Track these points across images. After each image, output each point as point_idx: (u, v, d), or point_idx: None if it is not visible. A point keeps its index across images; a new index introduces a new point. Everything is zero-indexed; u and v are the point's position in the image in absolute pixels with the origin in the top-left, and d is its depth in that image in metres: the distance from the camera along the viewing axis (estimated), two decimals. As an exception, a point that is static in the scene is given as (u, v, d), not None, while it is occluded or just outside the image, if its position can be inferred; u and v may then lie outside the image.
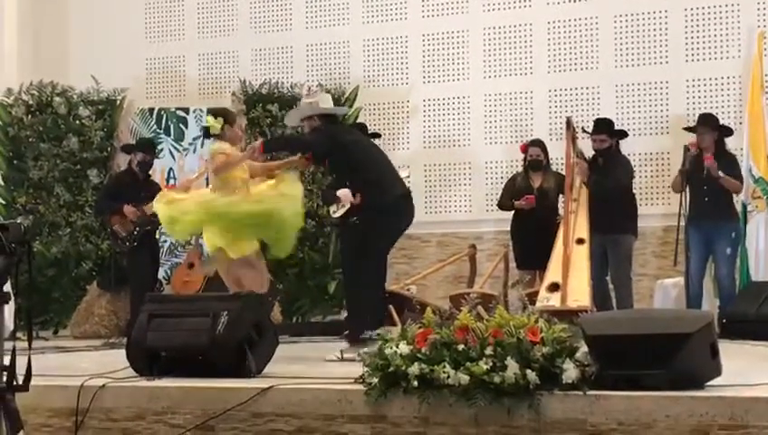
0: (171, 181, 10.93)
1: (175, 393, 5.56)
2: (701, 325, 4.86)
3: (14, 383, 3.98)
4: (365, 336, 7.05)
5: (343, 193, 9.33)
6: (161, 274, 10.39)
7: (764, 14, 10.10)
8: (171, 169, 11.12)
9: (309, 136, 7.71)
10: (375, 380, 5.14)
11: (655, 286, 9.77)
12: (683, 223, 8.87)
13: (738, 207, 9.21)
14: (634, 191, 9.46)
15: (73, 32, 12.22)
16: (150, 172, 10.00)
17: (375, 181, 7.57)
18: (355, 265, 7.57)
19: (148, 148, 9.99)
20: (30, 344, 4.12)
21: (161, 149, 10.84)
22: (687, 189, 8.86)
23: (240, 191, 7.43)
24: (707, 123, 8.97)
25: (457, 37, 11.11)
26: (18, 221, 4.00)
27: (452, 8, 11.13)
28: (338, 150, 7.56)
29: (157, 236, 9.95)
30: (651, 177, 10.31)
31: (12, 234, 3.87)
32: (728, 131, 9.07)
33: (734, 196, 9.03)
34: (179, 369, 5.84)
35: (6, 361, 4.00)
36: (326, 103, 7.90)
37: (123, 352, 6.25)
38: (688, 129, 9.14)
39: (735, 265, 9.03)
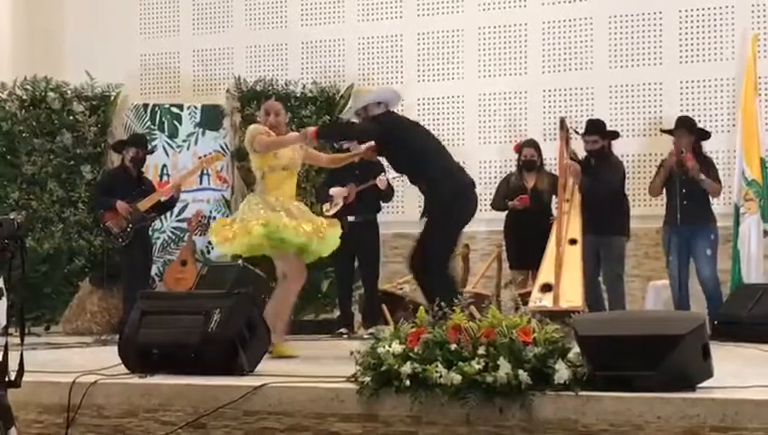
0: (165, 178, 10.92)
1: (167, 391, 5.56)
2: (693, 327, 4.87)
3: (7, 379, 3.97)
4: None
5: (336, 191, 9.37)
6: (154, 270, 10.38)
7: (759, 17, 10.13)
8: (165, 165, 11.11)
9: (365, 123, 7.48)
10: (367, 378, 5.14)
11: (647, 288, 9.78)
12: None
13: (730, 209, 9.21)
14: (627, 192, 9.46)
15: (68, 27, 12.22)
16: (144, 169, 9.98)
17: (442, 168, 7.32)
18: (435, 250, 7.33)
19: (140, 143, 9.96)
20: (22, 340, 4.12)
21: (155, 146, 10.82)
22: (664, 192, 8.85)
23: (285, 182, 7.35)
24: (684, 126, 8.95)
25: (452, 36, 11.13)
26: (11, 217, 3.98)
27: (447, 7, 11.15)
28: (397, 138, 7.35)
29: (149, 233, 9.95)
30: (644, 178, 10.31)
31: (4, 229, 3.86)
32: (705, 134, 9.05)
33: (711, 198, 8.99)
34: (171, 366, 5.83)
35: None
36: (377, 93, 7.77)
37: (115, 348, 6.24)
38: (665, 131, 9.14)
39: (716, 266, 9.00)
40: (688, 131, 8.90)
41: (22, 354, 4.02)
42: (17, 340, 4.23)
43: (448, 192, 7.15)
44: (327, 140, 7.78)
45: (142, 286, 9.19)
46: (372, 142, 7.45)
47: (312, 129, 7.34)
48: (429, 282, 7.13)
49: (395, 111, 7.64)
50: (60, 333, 10.45)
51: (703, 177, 8.70)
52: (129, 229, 9.42)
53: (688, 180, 8.72)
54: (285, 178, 7.33)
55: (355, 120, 7.62)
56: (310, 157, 7.68)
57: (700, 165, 8.75)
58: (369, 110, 7.42)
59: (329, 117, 10.93)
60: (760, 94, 9.67)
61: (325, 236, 7.30)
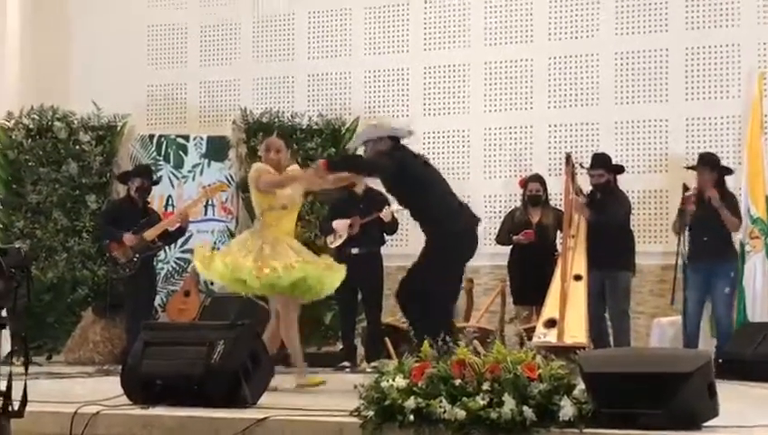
0: (170, 208, 10.93)
1: (169, 422, 5.52)
2: (699, 365, 4.84)
3: (10, 409, 3.95)
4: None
5: (340, 224, 9.36)
6: (157, 301, 10.36)
7: (765, 55, 10.15)
8: (170, 196, 11.12)
9: (375, 158, 7.54)
10: (371, 413, 5.10)
11: (652, 324, 9.75)
12: (681, 262, 8.86)
13: (737, 247, 9.20)
14: (632, 228, 9.45)
15: (75, 56, 12.28)
16: (149, 199, 9.98)
17: (446, 208, 7.32)
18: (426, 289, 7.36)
19: (145, 174, 9.97)
20: (26, 370, 4.10)
21: (160, 176, 10.82)
22: (687, 229, 8.85)
23: (285, 217, 7.40)
24: (708, 163, 8.98)
25: (458, 70, 11.15)
26: (17, 246, 3.98)
27: (453, 42, 11.20)
28: (405, 175, 7.38)
29: (154, 263, 9.93)
30: (649, 215, 10.32)
31: (11, 258, 3.85)
32: (728, 171, 9.07)
33: (733, 235, 9.01)
34: (174, 397, 5.80)
35: (2, 385, 3.98)
36: (390, 126, 7.82)
37: (118, 379, 6.21)
38: (689, 167, 9.14)
39: (733, 304, 9.01)
40: (711, 168, 8.92)
41: (26, 384, 4.00)
42: (20, 369, 4.20)
43: (453, 231, 7.15)
44: (336, 171, 7.76)
45: (146, 317, 9.16)
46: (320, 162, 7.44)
47: (322, 161, 7.37)
48: (424, 323, 7.10)
49: (405, 145, 7.63)
50: (62, 362, 10.41)
51: (721, 204, 8.68)
52: (135, 259, 9.41)
53: (709, 217, 8.71)
54: (284, 215, 7.41)
55: (362, 150, 7.63)
56: (312, 185, 7.71)
57: (724, 200, 8.75)
58: (378, 143, 7.42)
59: (334, 149, 10.94)
60: (766, 133, 9.66)
61: (322, 276, 7.34)
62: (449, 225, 7.17)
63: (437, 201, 7.28)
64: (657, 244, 10.15)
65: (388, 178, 7.43)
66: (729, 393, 5.55)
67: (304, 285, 7.31)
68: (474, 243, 7.40)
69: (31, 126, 11.30)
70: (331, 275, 7.48)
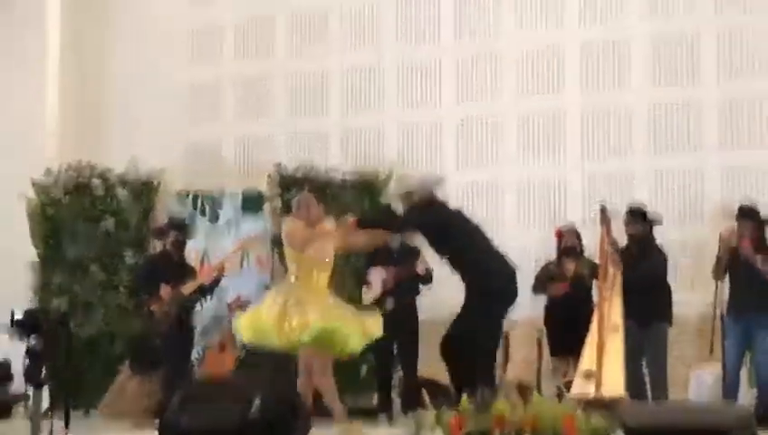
0: (206, 263, 10.96)
1: (208, 477, 5.51)
2: (741, 420, 4.80)
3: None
4: None
5: (375, 273, 9.35)
6: (194, 354, 10.37)
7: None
8: (206, 250, 11.17)
9: (406, 214, 7.56)
10: (409, 466, 5.09)
11: (690, 375, 9.65)
12: (719, 311, 8.79)
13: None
14: (669, 278, 9.38)
15: (114, 112, 12.42)
16: (185, 253, 10.03)
17: (478, 262, 7.37)
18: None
19: (180, 228, 10.04)
20: (67, 425, 4.11)
21: (196, 231, 10.88)
22: (728, 278, 8.79)
23: (317, 273, 7.40)
24: (747, 214, 8.93)
25: (492, 123, 11.19)
26: (56, 303, 4.03)
27: (486, 94, 11.25)
28: (434, 229, 7.40)
29: (191, 317, 9.96)
30: (687, 264, 10.25)
31: (51, 318, 3.88)
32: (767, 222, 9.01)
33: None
34: (212, 453, 5.79)
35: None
36: (420, 181, 7.87)
37: (155, 433, 6.20)
38: (732, 218, 9.07)
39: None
40: (752, 220, 8.87)
41: (66, 441, 4.02)
42: (60, 423, 4.22)
43: (492, 281, 7.15)
44: (364, 229, 7.80)
45: (182, 371, 9.19)
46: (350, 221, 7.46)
47: (352, 219, 7.40)
48: (469, 370, 7.08)
49: (439, 197, 7.65)
50: (98, 417, 10.42)
51: (758, 258, 8.62)
52: (172, 314, 9.44)
53: (749, 267, 8.66)
54: (317, 273, 7.41)
55: (398, 204, 7.66)
56: (347, 245, 7.72)
57: (763, 252, 8.69)
58: (412, 198, 7.46)
59: (369, 202, 10.97)
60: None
61: (348, 333, 7.32)
62: (488, 275, 7.18)
63: (474, 253, 7.29)
64: (695, 293, 10.06)
65: (424, 232, 7.46)
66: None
67: (327, 342, 7.30)
68: (513, 292, 7.40)
69: (68, 183, 11.41)
70: (358, 333, 7.42)
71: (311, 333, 7.16)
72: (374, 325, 7.56)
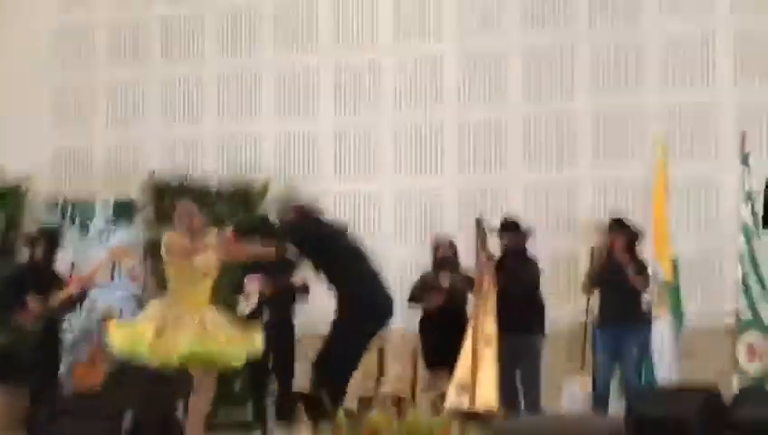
0: (75, 273, 10.69)
1: (75, 497, 5.36)
2: (612, 431, 4.86)
3: None
4: None
5: (250, 282, 9.24)
6: (62, 368, 10.09)
7: (669, 118, 10.38)
8: (74, 261, 10.89)
9: (284, 226, 7.47)
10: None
11: (562, 386, 9.78)
12: (590, 323, 8.95)
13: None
14: (542, 290, 9.51)
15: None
16: (55, 263, 9.76)
17: (361, 280, 7.40)
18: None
19: (49, 238, 9.78)
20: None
21: (65, 241, 10.60)
22: (597, 291, 8.95)
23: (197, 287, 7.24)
24: (619, 226, 9.09)
25: (368, 134, 11.19)
26: None
27: (363, 106, 11.24)
28: (312, 245, 7.32)
29: (59, 329, 9.69)
30: (558, 276, 10.40)
31: None
32: (638, 235, 9.18)
33: (643, 296, 9.10)
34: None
35: None
36: (301, 197, 7.78)
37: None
38: (601, 230, 9.23)
39: (642, 366, 9.10)
40: (622, 231, 9.03)
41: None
42: None
43: (371, 300, 7.14)
44: (245, 241, 7.70)
45: (50, 385, 8.94)
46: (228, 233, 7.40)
47: (230, 232, 7.30)
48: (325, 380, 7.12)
49: (319, 213, 7.62)
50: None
51: (631, 271, 8.78)
52: (40, 325, 9.17)
53: (618, 280, 8.81)
54: (199, 283, 7.25)
55: (275, 220, 7.59)
56: (230, 255, 7.58)
57: (635, 265, 8.86)
58: (291, 213, 7.42)
59: (245, 212, 10.84)
60: (670, 196, 9.84)
61: (224, 350, 7.19)
62: (369, 294, 7.18)
63: (351, 270, 7.27)
64: (566, 305, 10.22)
65: (302, 246, 7.41)
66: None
67: (205, 361, 7.14)
68: (386, 315, 7.41)
69: (-71, 190, 11.04)
70: (234, 349, 7.27)
71: (180, 354, 6.97)
72: (254, 340, 7.41)
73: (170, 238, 7.29)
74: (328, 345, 7.30)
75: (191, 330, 7.04)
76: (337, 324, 7.27)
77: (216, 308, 7.50)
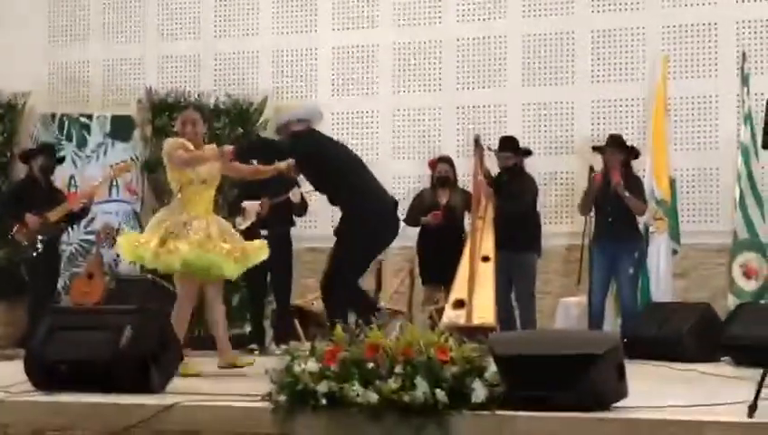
0: (73, 189, 10.71)
1: (75, 409, 5.41)
2: (609, 347, 4.90)
3: None
4: None
5: (249, 205, 9.26)
6: (60, 283, 10.15)
7: (668, 39, 10.31)
8: (73, 176, 10.90)
9: (285, 142, 7.43)
10: (282, 397, 5.05)
11: (557, 305, 9.86)
12: (587, 242, 8.99)
13: (641, 229, 9.34)
14: (538, 210, 9.54)
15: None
16: (52, 178, 9.77)
17: (360, 189, 7.28)
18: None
19: (48, 152, 9.77)
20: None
21: (63, 156, 10.59)
22: (592, 210, 8.98)
23: (197, 196, 7.23)
24: (615, 144, 9.09)
25: (367, 51, 11.12)
26: None
27: (362, 23, 11.15)
28: (318, 157, 7.28)
29: (58, 245, 9.73)
30: (555, 196, 10.43)
31: None
32: (635, 153, 9.19)
33: (638, 217, 9.15)
34: (80, 383, 5.67)
35: None
36: (299, 110, 7.74)
37: (21, 364, 6.06)
38: (596, 148, 9.25)
39: (638, 285, 9.17)
40: (619, 149, 9.03)
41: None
42: None
43: (370, 213, 7.12)
44: (244, 159, 7.66)
45: (49, 300, 9.01)
46: (292, 160, 7.38)
47: (229, 147, 7.25)
48: (333, 298, 7.14)
49: (317, 128, 7.57)
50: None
51: (627, 193, 8.81)
52: (38, 241, 9.20)
53: (615, 199, 8.83)
54: (202, 191, 7.24)
55: (275, 136, 7.55)
56: (231, 169, 7.56)
57: (629, 183, 8.88)
58: (290, 127, 7.36)
59: (242, 130, 10.83)
60: (669, 115, 9.83)
61: (241, 257, 7.21)
62: (368, 206, 7.16)
63: (353, 183, 7.25)
64: (563, 225, 10.28)
65: (301, 161, 7.36)
66: (636, 373, 5.63)
67: (200, 269, 7.15)
68: (394, 224, 7.41)
69: (-74, 105, 10.99)
70: (231, 259, 7.26)
71: (181, 260, 7.01)
72: (258, 250, 7.40)
73: (171, 144, 7.24)
74: (333, 261, 7.31)
75: (196, 237, 7.06)
76: (342, 239, 7.26)
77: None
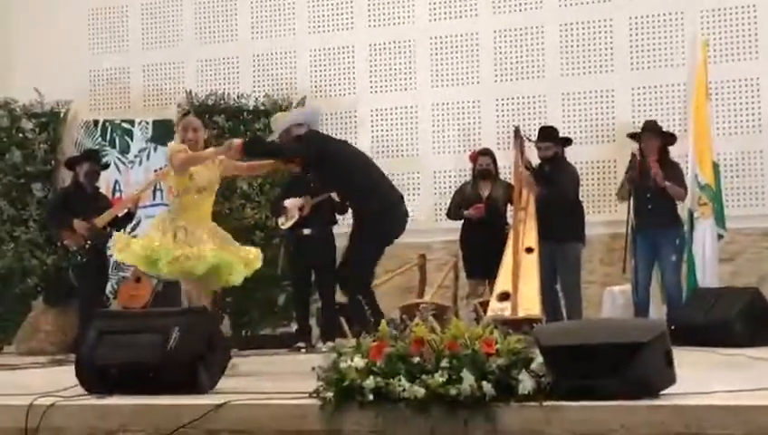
0: (117, 194, 10.82)
1: (126, 411, 5.46)
2: (656, 334, 4.87)
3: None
4: None
5: (291, 203, 9.32)
6: (108, 288, 10.26)
7: (708, 23, 10.23)
8: (117, 181, 11.00)
9: (294, 144, 7.46)
10: (330, 394, 5.08)
11: (603, 294, 9.82)
12: (631, 229, 8.95)
13: (684, 214, 9.29)
14: (581, 199, 9.50)
15: (16, 43, 12.06)
16: (98, 184, 9.87)
17: (365, 188, 7.33)
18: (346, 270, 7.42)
19: (93, 158, 9.89)
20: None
21: (107, 162, 10.70)
22: (632, 197, 8.93)
23: (200, 200, 7.24)
24: (652, 130, 9.05)
25: (404, 46, 11.12)
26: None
27: (398, 18, 11.16)
28: (324, 157, 7.30)
29: (105, 250, 9.83)
30: (597, 184, 10.38)
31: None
32: (672, 138, 9.14)
33: (678, 203, 9.10)
34: (130, 386, 5.73)
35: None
36: (298, 114, 7.77)
37: (71, 368, 6.12)
38: (632, 135, 9.21)
39: (681, 271, 9.11)
40: (656, 135, 8.98)
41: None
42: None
43: (375, 208, 7.17)
44: (253, 156, 7.66)
45: (97, 304, 9.11)
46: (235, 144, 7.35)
47: (238, 141, 7.23)
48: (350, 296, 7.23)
49: (317, 128, 7.63)
50: (13, 353, 10.30)
51: (668, 183, 8.77)
52: (86, 246, 9.30)
53: (653, 186, 8.79)
54: (202, 199, 7.20)
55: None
56: (231, 168, 7.56)
57: (667, 169, 8.83)
58: (291, 132, 7.41)
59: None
60: (711, 99, 9.75)
61: (234, 264, 7.19)
62: (373, 200, 7.20)
63: (358, 179, 7.29)
64: (606, 213, 10.22)
65: (307, 161, 7.39)
66: (684, 360, 5.60)
67: (215, 273, 7.14)
68: (401, 218, 7.43)
69: (-29, 115, 11.14)
70: (240, 267, 7.25)
71: (205, 265, 6.99)
72: (255, 258, 7.39)
73: (172, 149, 7.23)
74: (348, 254, 7.38)
75: (209, 245, 7.04)
76: (351, 236, 7.33)
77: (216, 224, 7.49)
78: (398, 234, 7.49)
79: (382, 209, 7.25)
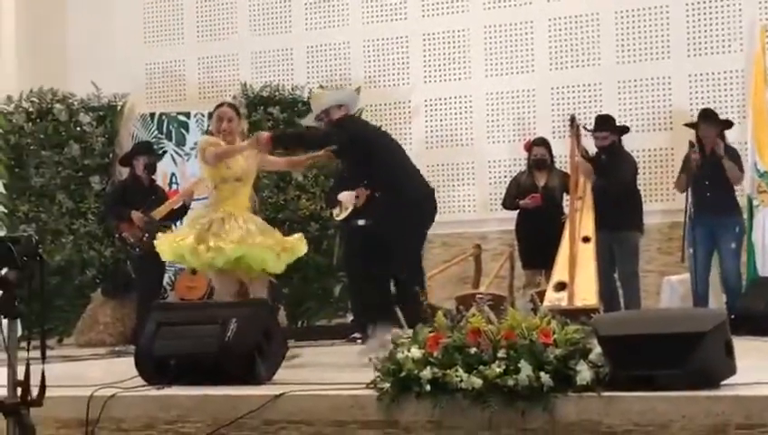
0: (174, 186, 10.90)
1: (185, 402, 5.51)
2: (716, 324, 4.81)
3: (29, 398, 3.93)
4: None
5: (345, 196, 9.30)
6: (165, 280, 10.34)
7: (766, 8, 10.07)
8: (174, 174, 11.09)
9: (325, 130, 7.38)
10: (387, 385, 5.08)
11: (661, 283, 9.74)
12: (689, 219, 8.85)
13: (743, 202, 9.17)
14: (639, 187, 9.41)
15: (72, 38, 12.18)
16: (155, 176, 9.96)
17: (396, 178, 7.28)
18: (370, 265, 7.42)
19: (149, 151, 9.98)
20: (43, 358, 4.05)
21: (164, 152, 10.79)
22: (690, 186, 8.84)
23: (236, 195, 7.26)
24: (708, 118, 8.94)
25: (458, 36, 11.09)
26: (28, 233, 3.94)
27: (452, 7, 11.12)
28: (357, 145, 7.25)
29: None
30: (654, 173, 10.29)
31: (23, 247, 3.81)
32: (728, 124, 9.03)
33: (736, 189, 8.97)
34: (189, 377, 5.78)
35: (20, 373, 3.95)
36: (339, 95, 7.75)
37: (130, 360, 6.19)
38: (689, 125, 9.11)
39: (741, 259, 9.01)
40: (713, 123, 8.88)
41: (43, 372, 3.97)
42: (35, 355, 4.17)
43: (406, 200, 7.13)
44: (282, 146, 7.62)
45: (155, 296, 9.18)
46: (331, 147, 7.34)
47: (266, 134, 7.21)
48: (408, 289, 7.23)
49: (355, 113, 7.60)
50: (73, 345, 10.43)
51: (729, 162, 8.65)
52: (145, 239, 9.38)
53: (712, 174, 8.68)
54: (239, 188, 7.19)
55: (316, 124, 7.55)
56: (267, 163, 7.56)
57: (726, 155, 8.72)
58: (330, 113, 7.35)
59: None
60: (770, 86, 9.62)
61: (282, 252, 7.18)
62: (406, 192, 7.17)
63: (391, 169, 7.24)
64: (664, 202, 10.13)
65: (341, 148, 7.32)
66: (743, 350, 5.53)
67: (242, 264, 7.13)
68: (430, 212, 7.39)
69: (31, 109, 11.27)
70: (274, 253, 7.23)
71: (224, 258, 6.99)
72: (296, 244, 7.35)
73: (202, 142, 7.24)
74: (396, 256, 7.37)
75: (236, 234, 7.03)
76: (382, 224, 7.30)
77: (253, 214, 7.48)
78: (428, 227, 7.48)
79: (415, 200, 7.22)
